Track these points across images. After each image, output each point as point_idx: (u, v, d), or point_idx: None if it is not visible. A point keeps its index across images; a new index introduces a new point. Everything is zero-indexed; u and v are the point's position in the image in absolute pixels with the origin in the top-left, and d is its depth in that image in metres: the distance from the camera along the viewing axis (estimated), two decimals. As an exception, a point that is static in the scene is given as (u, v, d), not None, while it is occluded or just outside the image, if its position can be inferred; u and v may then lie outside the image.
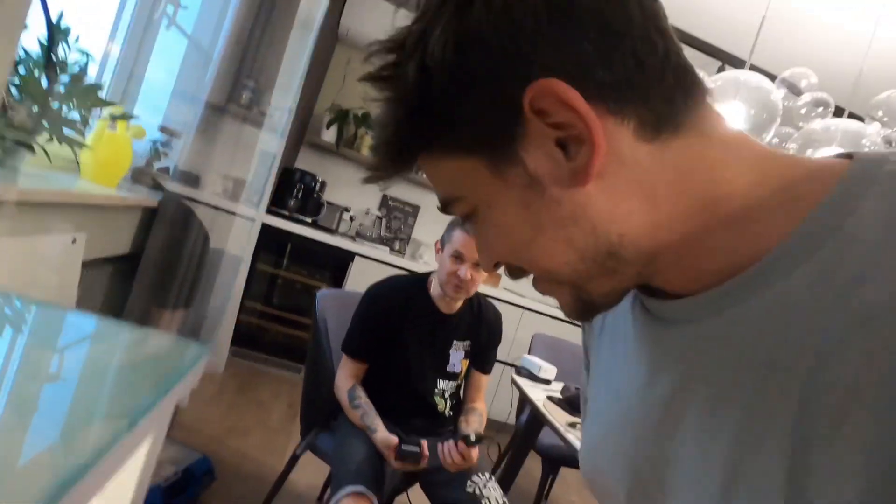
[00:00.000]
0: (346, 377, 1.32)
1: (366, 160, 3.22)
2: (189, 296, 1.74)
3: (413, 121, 0.33)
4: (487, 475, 1.24)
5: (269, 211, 2.86)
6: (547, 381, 1.74)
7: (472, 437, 1.12)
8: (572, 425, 1.33)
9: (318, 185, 2.98)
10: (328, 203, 3.06)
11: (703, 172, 0.30)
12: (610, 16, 0.28)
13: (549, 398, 1.55)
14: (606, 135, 0.29)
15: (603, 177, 0.30)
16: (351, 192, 3.33)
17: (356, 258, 2.86)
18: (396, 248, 3.31)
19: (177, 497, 1.47)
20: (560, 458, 1.77)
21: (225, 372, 2.62)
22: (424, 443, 1.14)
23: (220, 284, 1.93)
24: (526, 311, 3.09)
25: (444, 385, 1.39)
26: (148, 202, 1.53)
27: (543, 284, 0.36)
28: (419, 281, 1.41)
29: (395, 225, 3.41)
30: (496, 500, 1.18)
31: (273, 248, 2.98)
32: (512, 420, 2.58)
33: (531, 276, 0.37)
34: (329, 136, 3.05)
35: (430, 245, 3.37)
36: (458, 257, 1.28)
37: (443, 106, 0.31)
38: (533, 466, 2.17)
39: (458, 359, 1.39)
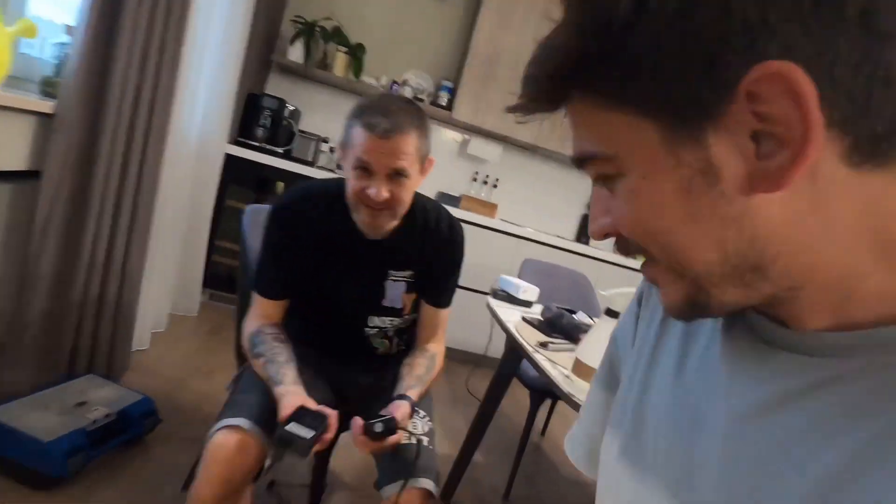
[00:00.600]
0: (253, 318, 1.02)
1: (341, 82, 2.94)
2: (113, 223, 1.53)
3: (590, 56, 0.28)
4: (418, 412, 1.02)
5: (237, 142, 2.63)
6: (527, 303, 1.51)
7: (378, 428, 0.84)
8: (543, 345, 1.11)
9: (287, 111, 2.70)
10: (301, 132, 2.80)
11: (894, 213, 0.27)
12: (884, 14, 0.23)
13: (525, 319, 1.32)
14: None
15: (789, 189, 0.26)
16: (328, 120, 3.05)
17: (332, 189, 2.61)
18: (381, 180, 3.05)
19: (111, 440, 1.32)
20: (545, 390, 1.57)
21: (199, 316, 2.47)
22: (331, 416, 0.85)
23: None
24: (523, 242, 2.84)
25: (382, 322, 1.09)
26: (40, 106, 1.29)
27: (657, 271, 0.33)
28: (336, 192, 1.00)
29: (380, 155, 3.14)
30: (416, 435, 0.95)
31: (244, 183, 2.76)
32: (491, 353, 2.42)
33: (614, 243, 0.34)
34: (296, 55, 2.74)
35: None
36: (363, 169, 0.90)
37: (640, 51, 0.26)
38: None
39: (397, 293, 1.07)
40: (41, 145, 1.35)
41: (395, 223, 0.99)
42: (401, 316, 1.10)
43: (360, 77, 2.85)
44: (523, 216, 3.39)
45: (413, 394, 0.96)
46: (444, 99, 2.97)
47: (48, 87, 1.46)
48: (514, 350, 1.47)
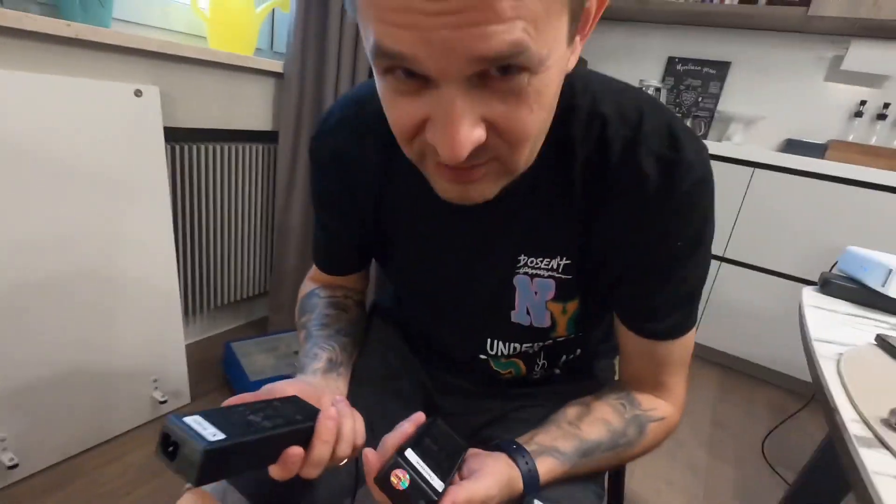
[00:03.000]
0: (308, 280, 0.69)
1: (634, 10, 2.26)
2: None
3: None
4: None
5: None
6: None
7: (398, 481, 0.37)
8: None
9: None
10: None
11: None
12: None
13: (884, 341, 0.54)
14: None
15: None
16: (620, 65, 2.48)
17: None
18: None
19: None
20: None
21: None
22: (324, 417, 0.41)
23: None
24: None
25: (508, 349, 0.58)
26: (273, 66, 1.36)
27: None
28: None
29: (689, 98, 2.34)
30: None
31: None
32: None
33: None
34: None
35: (746, 120, 2.16)
36: (406, 75, 0.32)
37: None
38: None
39: (537, 301, 0.52)
40: (279, 107, 1.44)
41: (507, 183, 0.41)
42: (547, 339, 0.56)
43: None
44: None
45: (545, 462, 0.46)
46: (796, -8, 1.92)
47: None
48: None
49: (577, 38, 0.36)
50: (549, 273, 0.50)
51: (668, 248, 0.45)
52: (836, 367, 0.48)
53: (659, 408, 0.52)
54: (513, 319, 0.54)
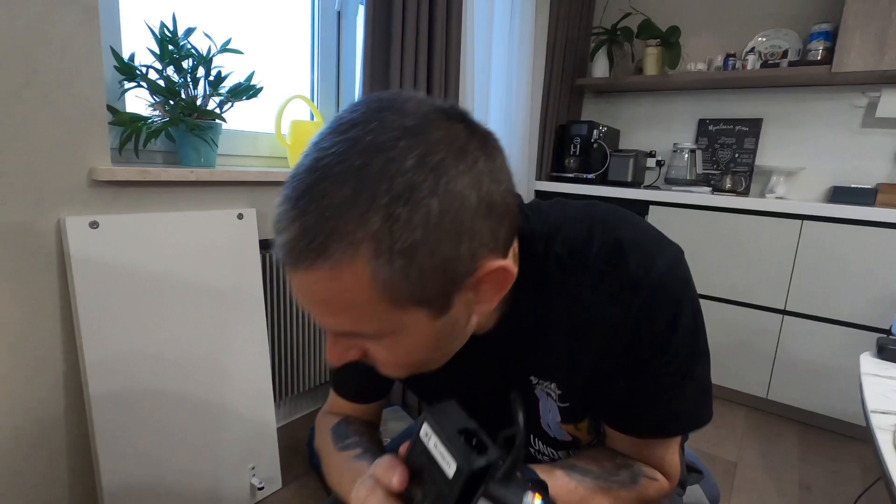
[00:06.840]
0: (329, 414, 0.68)
1: (654, 82, 2.41)
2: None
3: None
4: None
5: (550, 178, 2.59)
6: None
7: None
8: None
9: (597, 133, 2.47)
10: (616, 152, 2.47)
11: None
12: None
13: None
14: None
15: None
16: (650, 130, 2.61)
17: (651, 208, 2.15)
18: (728, 186, 2.32)
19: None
20: None
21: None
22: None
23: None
24: None
25: (548, 452, 0.62)
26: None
27: None
28: None
29: (725, 155, 2.41)
30: None
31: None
32: None
33: None
34: (600, 70, 2.49)
35: (786, 172, 2.20)
36: None
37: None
38: None
39: (550, 418, 0.57)
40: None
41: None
42: (577, 447, 0.60)
43: (678, 67, 2.31)
44: None
45: (557, 478, 0.48)
46: (817, 51, 2.02)
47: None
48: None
49: (430, 317, 0.42)
50: (552, 394, 0.55)
51: (639, 352, 0.48)
52: (893, 438, 0.54)
53: (653, 472, 0.55)
54: (542, 427, 0.59)
